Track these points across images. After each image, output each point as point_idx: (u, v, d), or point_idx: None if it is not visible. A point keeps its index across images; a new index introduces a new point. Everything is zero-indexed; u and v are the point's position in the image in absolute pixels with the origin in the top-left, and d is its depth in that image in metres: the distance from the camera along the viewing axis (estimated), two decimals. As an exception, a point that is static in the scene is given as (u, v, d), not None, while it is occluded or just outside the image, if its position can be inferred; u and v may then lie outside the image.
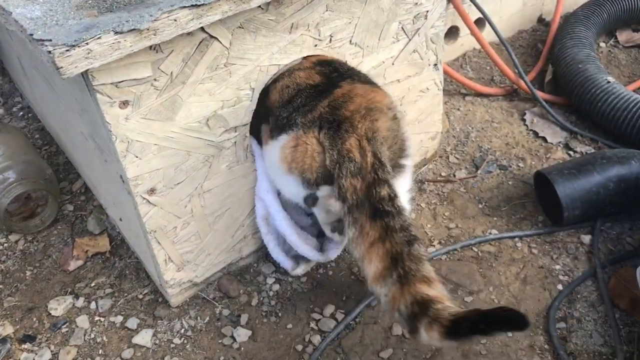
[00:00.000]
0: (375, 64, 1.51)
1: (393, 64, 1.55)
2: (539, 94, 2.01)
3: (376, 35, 1.47)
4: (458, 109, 2.06)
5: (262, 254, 1.59)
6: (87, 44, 1.02)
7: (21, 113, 2.32)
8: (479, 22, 2.17)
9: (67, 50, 1.01)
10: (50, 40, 1.02)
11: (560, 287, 1.50)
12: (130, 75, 1.14)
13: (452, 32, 2.22)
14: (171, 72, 1.19)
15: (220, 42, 1.23)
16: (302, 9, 1.31)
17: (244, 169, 1.43)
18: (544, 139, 1.91)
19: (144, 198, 1.29)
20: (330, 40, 1.39)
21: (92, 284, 1.60)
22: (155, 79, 1.18)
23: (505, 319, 1.00)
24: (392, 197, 1.17)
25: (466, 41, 2.27)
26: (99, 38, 1.03)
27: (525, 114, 2.02)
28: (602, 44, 2.32)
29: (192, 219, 1.40)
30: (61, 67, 1.01)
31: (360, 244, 1.16)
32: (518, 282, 1.51)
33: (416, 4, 1.50)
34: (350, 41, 1.43)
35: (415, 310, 1.07)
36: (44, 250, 1.72)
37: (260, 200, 1.44)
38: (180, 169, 1.31)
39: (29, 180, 1.72)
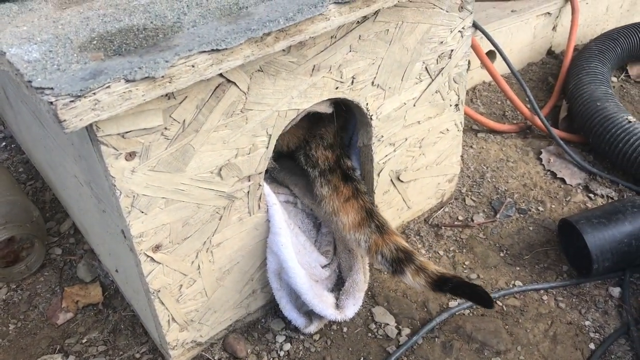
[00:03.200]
0: (397, 105, 1.41)
1: (414, 105, 1.45)
2: (556, 132, 1.93)
3: (399, 76, 1.36)
4: (471, 147, 1.96)
5: (271, 308, 1.47)
6: (94, 93, 0.90)
7: (4, 143, 2.18)
8: (489, 55, 2.08)
9: (72, 102, 0.88)
10: (52, 88, 0.89)
11: (592, 346, 1.40)
12: (139, 124, 1.02)
13: (462, 65, 2.13)
14: (184, 120, 1.07)
15: (238, 87, 1.11)
16: (325, 50, 1.20)
17: (257, 220, 1.31)
18: (563, 180, 1.83)
19: (148, 256, 1.16)
20: (352, 82, 1.29)
21: (84, 340, 1.46)
22: (166, 128, 1.06)
23: (478, 296, 1.30)
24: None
25: (476, 74, 2.18)
26: (107, 87, 0.90)
27: (541, 152, 1.93)
28: (614, 79, 2.25)
29: (199, 276, 1.27)
30: (64, 121, 0.89)
31: (335, 199, 1.39)
32: (548, 341, 1.40)
33: (441, 42, 1.40)
34: (373, 83, 1.32)
35: (400, 256, 1.33)
36: (29, 300, 1.58)
37: (273, 254, 1.32)
38: (188, 223, 1.19)
39: (14, 224, 1.57)
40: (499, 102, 2.17)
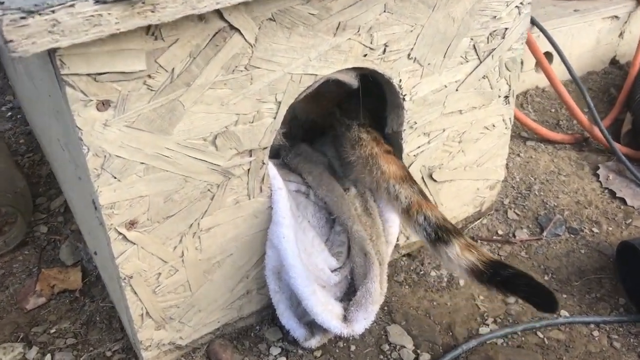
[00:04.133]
0: (436, 87, 1.19)
1: (457, 90, 1.22)
2: (617, 147, 1.67)
3: (441, 51, 1.15)
4: (518, 155, 1.72)
5: (268, 314, 1.26)
6: (52, 12, 0.72)
7: (10, 113, 2.03)
8: (546, 57, 1.85)
9: (23, 18, 0.70)
10: (2, 2, 0.72)
11: (652, 398, 1.14)
12: (115, 66, 0.83)
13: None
14: (172, 69, 0.88)
15: (243, 37, 0.91)
16: (354, 5, 0.99)
17: (257, 205, 1.10)
18: (623, 201, 1.57)
19: (120, 233, 0.97)
20: (385, 50, 1.08)
21: (52, 330, 1.27)
22: (149, 76, 0.86)
23: (539, 295, 1.04)
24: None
25: (529, 77, 1.95)
26: (71, 6, 0.72)
27: (598, 168, 1.68)
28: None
29: (182, 264, 1.07)
30: (11, 41, 0.71)
31: (374, 145, 1.18)
32: (597, 387, 1.15)
33: (495, 17, 1.18)
34: (409, 55, 1.11)
35: (447, 226, 1.11)
36: (1, 279, 1.40)
37: (274, 248, 1.11)
38: (172, 198, 0.99)
39: (-6, 192, 1.40)
40: (553, 110, 1.93)
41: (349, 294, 1.24)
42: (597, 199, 1.58)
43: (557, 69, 1.86)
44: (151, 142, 0.92)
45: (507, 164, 1.68)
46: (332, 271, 1.20)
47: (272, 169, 1.11)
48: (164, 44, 0.85)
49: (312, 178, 1.28)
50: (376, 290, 1.18)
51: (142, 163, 0.93)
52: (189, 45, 0.88)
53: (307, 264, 1.15)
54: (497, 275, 1.05)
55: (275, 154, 1.38)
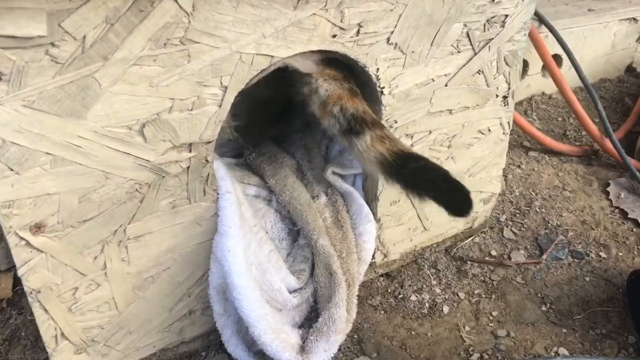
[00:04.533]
0: (421, 80, 1.01)
1: (446, 85, 1.04)
2: (632, 162, 1.49)
3: (428, 37, 0.97)
4: (519, 166, 1.54)
5: (216, 338, 1.07)
6: None
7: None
8: (554, 60, 1.67)
9: None
10: None
11: None
12: (5, 28, 0.66)
13: (518, 68, 1.71)
14: (84, 37, 0.71)
15: (176, 1, 0.74)
16: (319, -28, 0.82)
17: (200, 211, 0.92)
18: (636, 222, 1.39)
19: (22, 238, 0.79)
20: (358, 32, 0.90)
21: (-32, 345, 1.10)
22: (53, 44, 0.69)
23: (450, 195, 0.90)
24: None
25: (535, 82, 1.77)
26: None
27: (609, 184, 1.50)
28: None
29: (106, 278, 0.89)
30: None
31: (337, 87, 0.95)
32: None
33: (494, 0, 1.01)
34: (389, 40, 0.93)
35: (366, 118, 0.92)
36: None
37: (217, 263, 0.93)
38: (89, 198, 0.81)
39: None
40: (560, 119, 1.74)
41: (310, 319, 1.06)
42: (606, 220, 1.39)
43: (567, 74, 1.69)
44: (59, 128, 0.74)
45: (505, 176, 1.49)
46: (291, 292, 1.02)
47: (219, 169, 0.93)
48: (70, 4, 0.68)
49: (274, 181, 1.10)
50: (341, 316, 1.00)
51: (48, 153, 0.75)
52: (105, 8, 0.70)
53: (261, 283, 0.97)
54: (404, 168, 0.89)
55: (238, 153, 1.21)
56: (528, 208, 1.41)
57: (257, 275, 0.97)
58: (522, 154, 1.59)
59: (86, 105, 0.75)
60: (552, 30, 1.64)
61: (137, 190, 0.84)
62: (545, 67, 1.66)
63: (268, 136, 1.24)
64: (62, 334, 0.90)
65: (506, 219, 1.38)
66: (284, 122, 1.28)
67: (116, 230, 0.86)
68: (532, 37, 1.62)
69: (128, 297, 0.93)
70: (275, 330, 0.93)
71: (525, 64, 1.71)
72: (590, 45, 1.79)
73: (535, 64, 1.72)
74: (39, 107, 0.72)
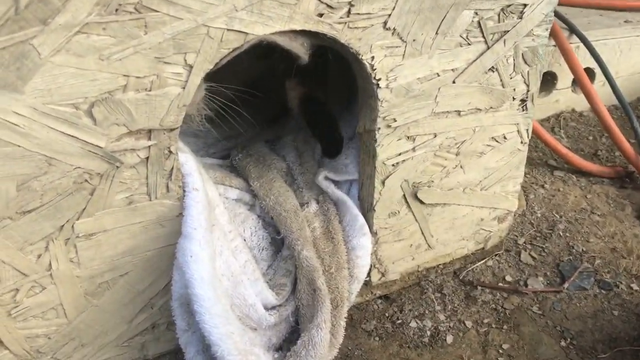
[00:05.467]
0: (424, 74, 0.89)
1: (454, 82, 0.92)
2: (670, 184, 1.33)
3: (432, 24, 0.85)
4: (542, 186, 1.40)
5: (182, 358, 0.95)
6: None
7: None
8: (587, 74, 1.53)
9: None
10: None
11: None
12: None
13: (545, 81, 1.58)
14: (18, -5, 0.61)
15: (129, -40, 0.64)
16: (302, -62, 0.71)
17: (162, 209, 0.81)
18: (673, 253, 1.22)
19: (-51, 228, 0.69)
20: (349, 12, 0.79)
21: None
22: (-21, 0, 0.60)
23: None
24: None
25: (564, 97, 1.63)
26: None
27: (644, 209, 1.34)
28: None
29: (51, 281, 0.78)
30: None
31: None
32: None
33: (509, -14, 0.89)
34: (385, 24, 0.82)
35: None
36: None
37: (180, 269, 0.81)
38: (30, 187, 0.71)
39: None
40: (590, 137, 1.59)
41: (291, 341, 0.93)
42: (639, 248, 1.23)
43: (600, 90, 1.55)
44: (-10, 101, 0.65)
45: (526, 195, 1.35)
46: (268, 309, 0.90)
47: (187, 162, 0.82)
48: (0, -46, 0.59)
49: (259, 184, 0.98)
50: (323, 340, 0.87)
51: (-22, 131, 0.66)
52: (43, -38, 0.61)
53: (233, 296, 0.86)
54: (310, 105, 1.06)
55: (227, 155, 1.10)
56: (550, 231, 1.26)
57: (228, 288, 0.86)
58: (546, 172, 1.44)
59: (23, 77, 0.65)
60: (584, 41, 1.51)
61: (86, 180, 0.74)
62: (576, 82, 1.52)
63: (261, 136, 1.13)
64: (1, 342, 0.79)
65: (525, 242, 1.23)
66: (280, 124, 1.18)
67: (63, 226, 0.76)
68: (562, 48, 1.49)
69: (79, 304, 0.82)
70: (242, 351, 0.81)
71: (554, 77, 1.57)
72: (626, 60, 1.65)
73: (565, 78, 1.58)
74: (-36, 75, 0.62)
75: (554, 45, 1.50)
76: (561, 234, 1.26)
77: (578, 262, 1.18)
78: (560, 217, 1.30)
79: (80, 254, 0.79)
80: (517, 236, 1.24)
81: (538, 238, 1.25)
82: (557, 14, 1.54)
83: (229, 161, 1.06)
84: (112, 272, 0.82)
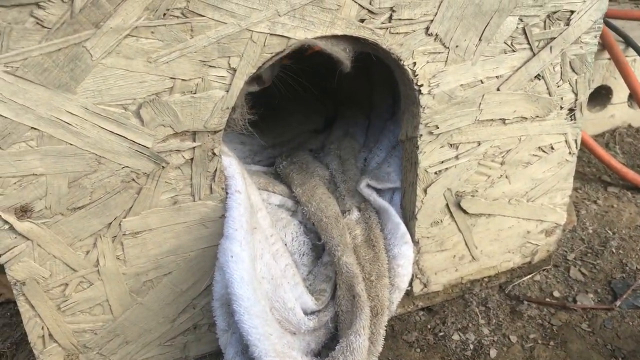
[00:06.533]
0: (467, 81, 0.88)
1: (498, 89, 0.91)
2: None
3: (476, 30, 0.85)
4: (595, 202, 1.35)
5: None
6: None
7: None
8: None
9: None
10: None
11: None
12: (-14, -16, 0.61)
13: (599, 95, 1.54)
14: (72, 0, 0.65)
15: (177, -33, 0.67)
16: (344, -55, 0.73)
17: (206, 210, 0.83)
18: None
19: (6, 221, 0.73)
20: (390, 18, 0.80)
21: (-24, 346, 1.05)
22: (38, 5, 0.64)
23: None
24: None
25: (620, 113, 1.58)
26: None
27: None
28: None
29: (99, 277, 0.81)
30: None
31: None
32: None
33: (555, -8, 0.88)
34: (428, 30, 0.82)
35: None
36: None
37: (221, 270, 0.83)
38: (81, 184, 0.74)
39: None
40: (648, 154, 1.54)
41: (330, 347, 0.93)
42: (699, 267, 1.18)
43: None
44: (46, 101, 0.68)
45: (577, 211, 1.31)
46: (307, 314, 0.90)
47: (231, 166, 0.84)
48: (58, -39, 0.63)
49: (301, 190, 1.00)
50: (361, 347, 0.87)
51: (34, 128, 0.69)
52: (98, -31, 0.65)
53: (272, 299, 0.86)
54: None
55: (273, 162, 1.13)
56: (602, 248, 1.22)
57: (268, 290, 0.86)
58: (600, 188, 1.40)
59: (76, 77, 0.69)
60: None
61: (133, 179, 0.77)
62: (633, 97, 1.48)
63: (306, 144, 1.15)
64: (50, 335, 0.83)
65: (575, 258, 1.19)
66: (325, 134, 1.19)
67: (110, 223, 0.79)
68: (618, 61, 1.45)
69: (124, 301, 0.85)
70: (280, 353, 0.81)
71: (609, 91, 1.53)
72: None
73: (621, 92, 1.54)
74: (23, 74, 0.66)
75: (609, 59, 1.46)
76: (614, 250, 1.21)
77: (631, 280, 1.14)
78: (614, 233, 1.26)
79: (127, 252, 0.81)
80: (566, 252, 1.21)
81: (589, 254, 1.21)
82: (612, 27, 1.51)
83: (273, 168, 1.08)
84: (157, 270, 0.85)
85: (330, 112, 1.14)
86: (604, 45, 1.45)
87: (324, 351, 0.93)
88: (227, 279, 0.80)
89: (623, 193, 1.39)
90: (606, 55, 1.45)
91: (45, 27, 0.65)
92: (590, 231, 1.27)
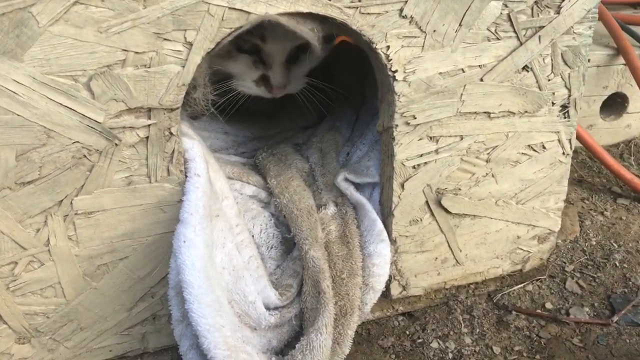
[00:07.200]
0: (447, 69, 0.83)
1: (482, 79, 0.86)
2: None
3: (455, 14, 0.80)
4: (602, 213, 1.27)
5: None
6: None
7: None
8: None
9: None
10: None
11: None
12: None
13: (614, 103, 1.46)
14: (18, -37, 0.63)
15: None
16: None
17: (163, 193, 0.80)
18: None
19: (-50, 193, 0.71)
20: (361, -3, 0.76)
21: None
22: (-20, -35, 0.62)
23: None
24: None
25: (636, 122, 1.50)
26: None
27: None
28: None
29: (50, 257, 0.79)
30: None
31: None
32: None
33: (543, -23, 0.82)
34: (402, 11, 0.78)
35: None
36: None
37: (174, 256, 0.79)
38: (29, 157, 0.72)
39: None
40: (665, 167, 1.45)
41: (293, 346, 0.88)
42: None
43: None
44: (-9, 68, 0.66)
45: (582, 221, 1.24)
46: (269, 309, 0.86)
47: (192, 149, 0.81)
48: None
49: (276, 182, 0.96)
50: (322, 346, 0.82)
51: (-22, 96, 0.67)
52: None
53: (232, 290, 0.82)
54: None
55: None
56: (605, 260, 1.14)
57: (229, 282, 0.82)
58: (608, 199, 1.32)
59: (22, 44, 0.66)
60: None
61: (85, 156, 0.74)
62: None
63: (292, 139, 1.11)
64: (0, 317, 0.80)
65: (573, 270, 1.12)
66: (312, 128, 1.15)
67: (61, 201, 0.76)
68: (633, 67, 1.37)
69: (78, 285, 0.82)
70: (232, 347, 0.77)
71: (625, 100, 1.45)
72: None
73: (637, 101, 1.46)
74: (-34, 39, 0.64)
75: (624, 64, 1.39)
76: (617, 264, 1.13)
77: (631, 295, 1.06)
78: (619, 246, 1.18)
79: (79, 232, 0.78)
80: (565, 262, 1.13)
81: (589, 267, 1.13)
82: (628, 31, 1.43)
83: (252, 160, 1.04)
84: (112, 254, 0.82)
85: (323, 107, 1.10)
86: (619, 50, 1.38)
87: (287, 350, 0.88)
88: (178, 264, 0.77)
89: (634, 205, 1.30)
90: (621, 60, 1.38)
91: (-13, -10, 0.63)
92: (594, 243, 1.19)
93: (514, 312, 1.02)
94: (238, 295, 0.83)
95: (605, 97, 1.44)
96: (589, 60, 0.92)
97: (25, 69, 0.68)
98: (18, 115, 0.70)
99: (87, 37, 0.68)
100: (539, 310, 1.03)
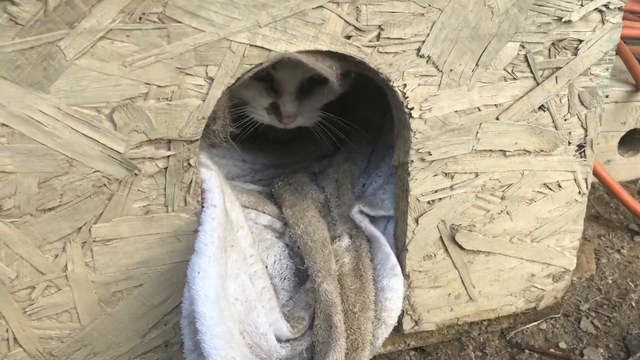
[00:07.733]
0: (463, 107, 0.84)
1: (498, 118, 0.87)
2: None
3: (472, 54, 0.81)
4: (618, 251, 1.26)
5: (197, 383, 0.93)
6: None
7: None
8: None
9: None
10: None
11: None
12: (-38, -22, 0.62)
13: (633, 139, 1.46)
14: (47, -1, 0.65)
15: (154, -29, 0.67)
16: (329, -43, 0.72)
17: (180, 223, 0.81)
18: None
19: (-26, 217, 0.73)
20: (379, 36, 0.77)
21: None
22: (12, 1, 0.64)
23: None
24: None
25: (654, 158, 1.49)
26: None
27: None
28: None
29: (67, 282, 0.80)
30: None
31: None
32: None
33: (560, 19, 0.83)
34: (419, 51, 0.79)
35: None
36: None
37: (188, 286, 0.80)
38: (51, 185, 0.74)
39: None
40: (684, 205, 1.43)
41: (302, 381, 0.88)
42: None
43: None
44: (18, 98, 0.69)
45: (598, 259, 1.23)
46: (281, 341, 0.86)
47: (210, 180, 0.82)
48: (34, -40, 0.63)
49: (291, 212, 0.96)
50: (333, 380, 0.82)
51: (5, 125, 0.69)
52: (72, -31, 0.65)
53: (244, 321, 0.83)
54: None
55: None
56: (621, 300, 1.13)
57: (241, 312, 0.83)
58: (626, 237, 1.31)
59: (49, 76, 0.68)
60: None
61: (105, 185, 0.76)
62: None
63: (309, 168, 1.12)
64: (15, 339, 0.81)
65: (588, 309, 1.11)
66: (330, 158, 1.16)
67: (80, 228, 0.77)
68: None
69: (93, 311, 0.83)
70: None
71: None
72: None
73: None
74: (-4, 71, 0.67)
75: (643, 101, 1.39)
76: (634, 304, 1.12)
77: (649, 337, 1.05)
78: (635, 286, 1.17)
79: (96, 259, 0.80)
80: (580, 301, 1.12)
81: (605, 306, 1.12)
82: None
83: (269, 188, 1.06)
84: (127, 281, 0.83)
85: (337, 140, 1.10)
86: (637, 86, 1.38)
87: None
88: (192, 295, 0.77)
89: (651, 244, 1.29)
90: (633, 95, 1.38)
91: (19, 24, 0.66)
92: (610, 281, 1.18)
93: (527, 351, 1.01)
94: (250, 327, 0.83)
95: (624, 133, 1.43)
96: (607, 97, 0.92)
97: (51, 100, 0.70)
98: (42, 144, 0.71)
99: (112, 70, 0.70)
100: (552, 350, 1.02)
